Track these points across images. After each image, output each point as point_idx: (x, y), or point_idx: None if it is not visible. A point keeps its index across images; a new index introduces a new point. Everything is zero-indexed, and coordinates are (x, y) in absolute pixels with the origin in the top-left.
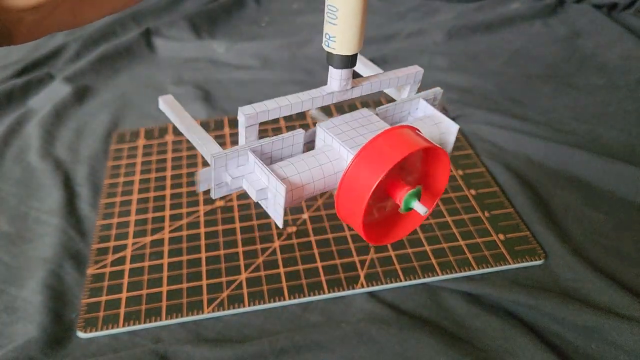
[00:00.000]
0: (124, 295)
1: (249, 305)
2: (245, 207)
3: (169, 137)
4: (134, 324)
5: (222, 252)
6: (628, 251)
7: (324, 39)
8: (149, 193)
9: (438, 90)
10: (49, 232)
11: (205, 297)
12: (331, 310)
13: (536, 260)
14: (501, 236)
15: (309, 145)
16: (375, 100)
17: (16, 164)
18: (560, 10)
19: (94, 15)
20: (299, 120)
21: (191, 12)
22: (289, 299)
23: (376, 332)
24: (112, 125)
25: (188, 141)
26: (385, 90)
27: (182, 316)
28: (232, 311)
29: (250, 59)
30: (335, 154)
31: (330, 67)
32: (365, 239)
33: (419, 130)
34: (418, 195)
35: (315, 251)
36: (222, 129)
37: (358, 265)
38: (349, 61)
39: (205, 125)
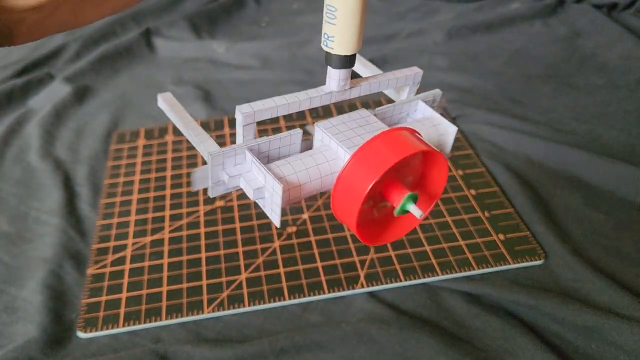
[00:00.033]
0: (124, 295)
1: (249, 305)
2: (245, 207)
3: (169, 137)
4: (134, 324)
5: (222, 252)
6: (628, 251)
7: (322, 38)
8: (149, 193)
9: (437, 92)
10: (49, 232)
11: (205, 297)
12: (331, 310)
13: (536, 260)
14: (501, 236)
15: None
16: (375, 101)
17: (16, 164)
18: (560, 10)
19: (94, 15)
20: (299, 120)
21: (191, 12)
22: (289, 299)
23: (376, 332)
24: (112, 125)
25: (188, 141)
26: (384, 91)
27: (182, 316)
28: (232, 311)
29: (250, 59)
30: (333, 154)
31: (329, 67)
32: (360, 239)
33: (418, 133)
34: (414, 198)
35: (315, 251)
36: (222, 129)
37: (358, 265)
38: (347, 61)
39: (205, 125)
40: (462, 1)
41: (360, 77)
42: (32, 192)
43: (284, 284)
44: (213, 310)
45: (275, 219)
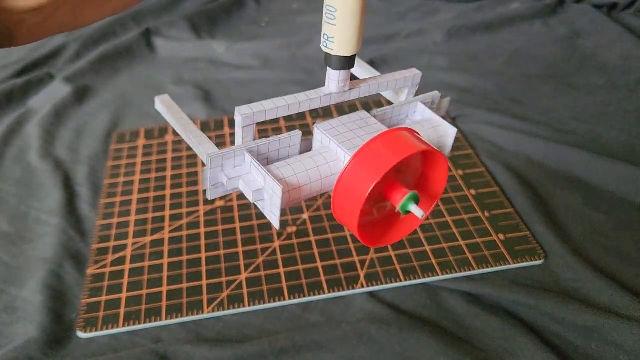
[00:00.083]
0: (124, 295)
1: (249, 305)
2: (245, 207)
3: (169, 137)
4: (134, 324)
5: (222, 252)
6: (628, 251)
7: (322, 39)
8: (149, 193)
9: (436, 94)
10: (49, 232)
11: (205, 297)
12: (331, 310)
13: (536, 260)
14: (501, 236)
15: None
16: (375, 101)
17: (16, 164)
18: (560, 10)
19: (95, 16)
20: (299, 121)
21: (191, 12)
22: (289, 299)
23: (376, 332)
24: (112, 125)
25: None
26: (383, 93)
27: (182, 316)
28: (232, 311)
29: (250, 59)
30: (333, 155)
31: (329, 69)
32: (361, 241)
33: (418, 133)
34: (416, 199)
35: (315, 251)
36: (222, 129)
37: (358, 265)
38: (347, 62)
39: (205, 126)
40: (462, 1)
41: (358, 79)
42: (32, 192)
43: (284, 284)
44: (213, 310)
45: (275, 221)
